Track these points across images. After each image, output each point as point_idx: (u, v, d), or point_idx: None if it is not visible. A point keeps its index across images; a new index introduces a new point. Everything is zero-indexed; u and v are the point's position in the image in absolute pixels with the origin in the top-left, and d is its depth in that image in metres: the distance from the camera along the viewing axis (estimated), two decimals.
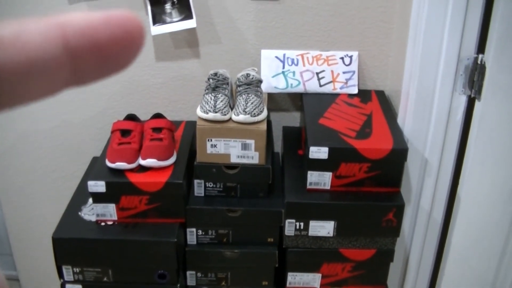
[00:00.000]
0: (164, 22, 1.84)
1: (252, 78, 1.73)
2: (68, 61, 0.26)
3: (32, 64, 0.25)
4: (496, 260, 1.94)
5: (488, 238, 1.90)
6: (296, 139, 1.94)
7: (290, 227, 1.70)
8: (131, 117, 1.88)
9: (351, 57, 1.90)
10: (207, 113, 1.64)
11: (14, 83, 0.25)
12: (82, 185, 1.89)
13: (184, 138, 1.90)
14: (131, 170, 1.72)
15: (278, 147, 2.05)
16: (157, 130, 1.77)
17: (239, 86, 1.73)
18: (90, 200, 1.79)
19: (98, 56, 0.26)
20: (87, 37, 0.26)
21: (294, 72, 1.91)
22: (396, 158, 1.66)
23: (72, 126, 2.09)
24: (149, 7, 1.83)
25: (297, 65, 1.91)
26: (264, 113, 1.69)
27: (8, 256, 2.58)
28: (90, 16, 0.26)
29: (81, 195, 1.87)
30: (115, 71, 0.27)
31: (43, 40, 0.25)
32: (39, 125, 2.10)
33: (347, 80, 1.91)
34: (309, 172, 1.67)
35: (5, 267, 2.77)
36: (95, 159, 1.93)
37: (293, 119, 2.03)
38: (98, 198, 1.71)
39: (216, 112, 1.63)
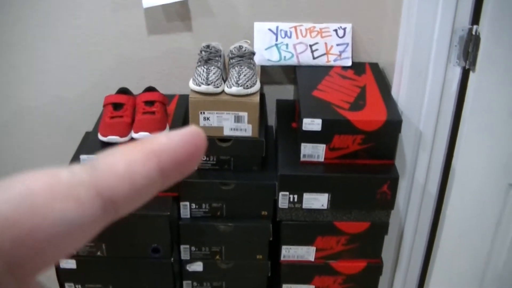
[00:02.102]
0: None
1: (245, 50, 1.72)
2: (160, 181, 0.30)
3: (140, 193, 0.29)
4: (491, 232, 1.94)
5: (483, 211, 1.90)
6: (290, 112, 1.93)
7: (283, 200, 1.69)
8: (123, 91, 1.87)
9: (344, 29, 1.89)
10: (200, 85, 1.62)
11: (124, 210, 0.29)
12: (75, 160, 1.88)
13: (177, 112, 1.88)
14: (124, 143, 1.70)
15: (271, 120, 2.04)
16: (149, 103, 1.76)
17: (232, 58, 1.72)
18: None
19: (178, 170, 0.31)
20: (174, 160, 0.30)
21: (287, 45, 1.89)
22: (390, 130, 1.65)
23: (65, 102, 2.07)
24: None
25: (290, 37, 1.89)
26: (257, 86, 1.68)
27: None
28: (172, 140, 0.30)
29: None
30: (185, 175, 0.32)
31: (147, 170, 0.29)
32: (31, 102, 2.08)
33: (341, 52, 1.89)
34: (303, 145, 1.66)
35: None
36: (87, 134, 1.91)
37: (287, 92, 2.02)
38: None
39: (208, 85, 1.62)
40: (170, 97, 1.94)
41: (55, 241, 0.26)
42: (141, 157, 0.29)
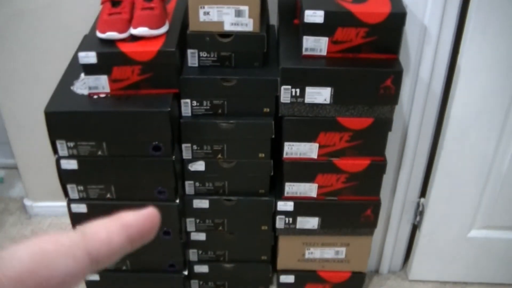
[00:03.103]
0: None
1: None
2: (128, 245, 0.42)
3: (115, 253, 0.40)
4: (496, 132, 1.92)
5: (489, 110, 1.87)
6: (292, 10, 1.89)
7: (285, 94, 1.66)
8: None
9: None
10: None
11: (102, 264, 0.40)
12: (74, 61, 1.86)
13: (177, 11, 1.84)
14: (123, 40, 1.67)
15: (274, 20, 2.00)
16: None
17: None
18: (82, 74, 1.75)
19: (140, 239, 0.43)
20: (138, 232, 0.42)
21: None
22: (394, 22, 1.61)
23: (63, 4, 2.03)
24: None
25: None
26: None
27: (6, 145, 2.57)
28: (138, 218, 0.42)
29: (73, 71, 1.83)
30: (145, 242, 0.43)
31: (120, 238, 0.40)
32: (28, 4, 2.04)
33: None
34: (305, 38, 1.63)
35: (3, 156, 2.77)
36: (86, 37, 1.88)
37: None
38: (90, 70, 1.67)
39: None
40: None
41: (60, 286, 0.37)
42: (117, 228, 0.40)
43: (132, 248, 0.42)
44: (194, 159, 1.84)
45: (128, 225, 0.41)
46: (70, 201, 1.85)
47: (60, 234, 0.38)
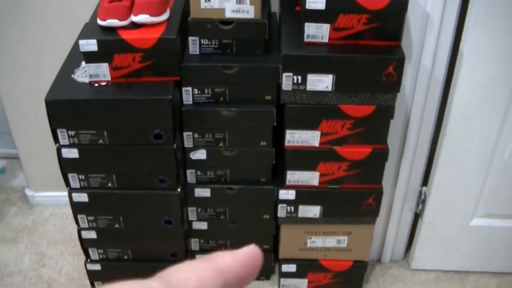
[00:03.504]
0: None
1: None
2: None
3: None
4: (499, 120, 1.92)
5: (491, 97, 1.86)
6: None
7: (287, 81, 1.65)
8: None
9: None
10: None
11: None
12: (75, 49, 1.85)
13: None
14: (123, 27, 1.67)
15: (275, 7, 1.99)
16: None
17: None
18: (83, 62, 1.75)
19: (239, 285, 0.36)
20: (237, 277, 0.35)
21: None
22: (396, 9, 1.60)
23: None
24: None
25: None
26: None
27: (7, 135, 2.56)
28: (237, 260, 0.36)
29: (74, 59, 1.82)
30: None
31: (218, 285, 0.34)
32: None
33: None
34: (306, 24, 1.62)
35: (5, 146, 2.77)
36: (86, 25, 1.87)
37: None
38: (91, 57, 1.67)
39: None
40: None
41: None
42: (211, 275, 0.34)
43: None
44: (196, 147, 1.84)
45: (225, 271, 0.35)
46: (71, 190, 1.85)
47: (142, 284, 0.33)
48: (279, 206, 1.94)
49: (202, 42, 1.70)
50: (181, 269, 0.34)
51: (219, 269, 0.35)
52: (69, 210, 1.92)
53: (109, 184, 1.83)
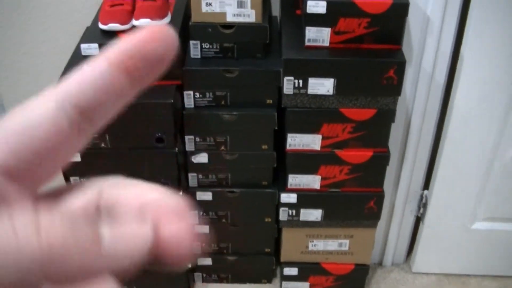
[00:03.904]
0: None
1: None
2: (127, 81, 0.29)
3: (108, 96, 0.29)
4: (499, 123, 1.92)
5: (492, 100, 1.87)
6: (294, 1, 1.88)
7: (288, 85, 1.66)
8: None
9: None
10: None
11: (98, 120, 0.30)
12: (76, 53, 1.85)
13: (178, 2, 1.85)
14: (125, 31, 1.67)
15: (276, 11, 1.99)
16: None
17: None
18: None
19: (147, 66, 0.29)
20: (141, 58, 0.29)
21: None
22: (397, 12, 1.61)
23: None
24: None
25: None
26: None
27: None
28: (139, 38, 0.28)
29: (75, 63, 1.83)
30: (159, 73, 0.31)
31: (117, 76, 0.28)
32: None
33: None
34: (307, 28, 1.62)
35: None
36: (88, 29, 1.88)
37: None
38: None
39: None
40: None
41: (46, 152, 0.28)
42: (102, 60, 0.28)
43: (135, 86, 0.30)
44: (197, 151, 1.84)
45: (116, 58, 0.28)
46: None
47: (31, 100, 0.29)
48: (281, 209, 1.94)
49: (203, 46, 1.71)
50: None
51: (109, 58, 0.29)
52: None
53: None
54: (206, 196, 1.94)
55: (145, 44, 0.29)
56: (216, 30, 1.67)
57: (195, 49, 1.71)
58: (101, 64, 0.28)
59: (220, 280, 2.24)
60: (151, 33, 0.29)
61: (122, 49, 0.28)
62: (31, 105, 0.29)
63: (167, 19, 1.70)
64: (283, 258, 2.12)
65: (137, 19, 1.66)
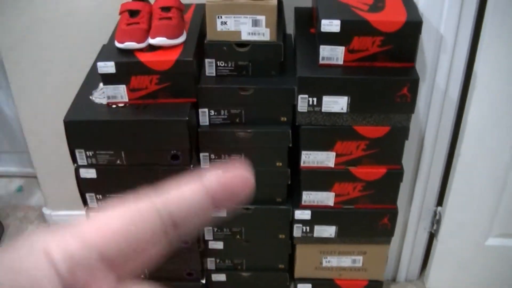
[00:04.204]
0: None
1: None
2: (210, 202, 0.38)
3: (193, 212, 0.38)
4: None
5: (505, 117, 1.87)
6: (308, 19, 1.90)
7: (303, 103, 1.67)
8: None
9: None
10: None
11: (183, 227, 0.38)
12: (93, 71, 1.88)
13: (194, 20, 1.86)
14: (141, 50, 1.69)
15: (290, 29, 2.01)
16: (166, 9, 1.74)
17: None
18: (101, 84, 1.77)
19: (229, 199, 0.39)
20: (224, 192, 0.38)
21: None
22: (410, 31, 1.62)
23: (80, 13, 2.06)
24: None
25: None
26: None
27: (25, 154, 2.59)
28: (222, 178, 0.38)
29: (91, 80, 1.85)
30: (234, 205, 0.39)
31: (194, 192, 0.38)
32: (46, 14, 2.06)
33: None
34: (321, 47, 1.64)
35: (23, 165, 2.80)
36: (104, 46, 1.90)
37: (305, 0, 1.98)
38: (108, 79, 1.69)
39: None
40: (186, 6, 1.91)
41: (140, 248, 0.36)
42: (201, 188, 0.38)
43: (216, 207, 0.38)
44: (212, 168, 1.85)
45: (209, 188, 0.38)
46: (89, 209, 1.87)
47: (132, 203, 0.37)
48: (295, 226, 1.95)
49: (218, 64, 1.73)
50: (170, 187, 0.38)
51: (205, 186, 0.38)
52: None
53: None
54: (220, 212, 1.94)
55: (232, 184, 0.38)
56: (231, 48, 1.69)
57: (210, 67, 1.73)
58: (200, 191, 0.38)
59: None
60: (236, 176, 0.39)
61: (215, 182, 0.38)
62: (133, 208, 0.37)
63: (183, 37, 1.72)
64: (297, 274, 2.12)
65: (153, 37, 1.68)
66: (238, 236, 2.02)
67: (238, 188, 0.39)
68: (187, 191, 0.38)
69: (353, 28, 1.60)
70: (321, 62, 1.66)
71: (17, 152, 2.85)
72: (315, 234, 1.96)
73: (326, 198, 1.88)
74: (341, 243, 2.00)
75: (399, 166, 1.83)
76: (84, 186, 1.82)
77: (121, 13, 1.76)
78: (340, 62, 1.66)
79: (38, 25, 2.09)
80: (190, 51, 1.69)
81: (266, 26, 1.65)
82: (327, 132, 1.74)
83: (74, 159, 1.76)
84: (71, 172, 1.78)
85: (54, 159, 2.42)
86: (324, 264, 2.07)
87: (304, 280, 2.13)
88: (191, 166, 1.75)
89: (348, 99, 1.66)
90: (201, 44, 1.72)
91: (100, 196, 1.84)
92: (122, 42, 1.68)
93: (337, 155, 1.78)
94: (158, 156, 1.74)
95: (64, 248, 0.33)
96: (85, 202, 1.86)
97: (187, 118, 1.66)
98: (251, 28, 1.65)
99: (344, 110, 1.68)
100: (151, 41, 1.68)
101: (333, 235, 1.97)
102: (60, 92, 2.19)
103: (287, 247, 2.05)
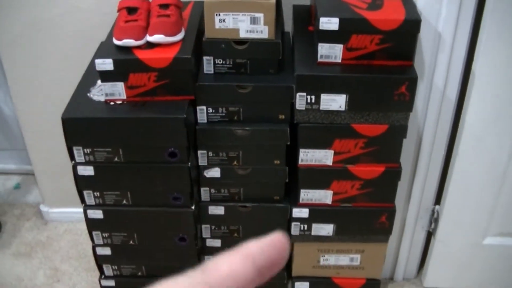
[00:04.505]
0: None
1: None
2: (257, 277, 0.39)
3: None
4: (511, 138, 1.92)
5: (503, 116, 1.87)
6: (307, 17, 1.90)
7: (301, 101, 1.67)
8: None
9: None
10: None
11: None
12: (91, 68, 1.87)
13: (192, 18, 1.86)
14: (139, 47, 1.69)
15: (288, 27, 2.01)
16: (164, 6, 1.73)
17: None
18: (99, 81, 1.77)
19: (270, 268, 0.39)
20: (266, 259, 0.39)
21: None
22: (409, 29, 1.62)
23: (80, 11, 2.06)
24: None
25: None
26: None
27: (23, 151, 2.59)
28: (263, 242, 0.39)
29: (89, 77, 1.85)
30: (275, 272, 0.41)
31: (245, 269, 0.38)
32: (44, 12, 2.06)
33: None
34: (320, 45, 1.64)
35: (20, 162, 2.80)
36: (102, 44, 1.90)
37: None
38: (106, 76, 1.69)
39: None
40: (185, 4, 1.91)
41: None
42: (240, 260, 0.38)
43: (262, 279, 0.39)
44: (210, 165, 1.85)
45: (252, 255, 0.38)
46: (86, 207, 1.87)
47: (179, 277, 0.37)
48: (292, 224, 1.95)
49: (217, 62, 1.72)
50: (215, 259, 0.38)
51: (247, 255, 0.38)
52: (83, 226, 1.94)
53: (124, 201, 1.85)
54: (218, 210, 1.95)
55: (273, 253, 0.39)
56: (229, 46, 1.69)
57: (208, 65, 1.73)
58: (245, 269, 0.38)
59: None
60: (279, 244, 0.40)
61: (259, 252, 0.39)
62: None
63: (181, 35, 1.72)
64: (294, 272, 2.12)
65: (151, 35, 1.68)
66: (235, 234, 2.02)
67: (279, 255, 0.40)
68: (236, 264, 0.38)
69: (351, 26, 1.60)
70: (319, 60, 1.66)
71: (15, 150, 2.84)
72: (313, 232, 1.96)
73: (324, 196, 1.87)
74: (339, 242, 2.00)
75: (397, 164, 1.83)
76: (81, 183, 1.82)
77: (119, 10, 1.76)
78: (339, 60, 1.66)
79: (36, 23, 2.09)
80: (188, 48, 1.68)
81: (265, 24, 1.65)
82: (325, 130, 1.73)
83: (72, 156, 1.76)
84: (68, 170, 1.78)
85: (51, 157, 2.42)
86: (322, 262, 2.07)
87: (301, 279, 2.13)
88: (189, 163, 1.75)
89: (346, 97, 1.66)
90: (199, 42, 1.72)
91: (98, 193, 1.84)
92: (120, 39, 1.68)
93: (335, 153, 1.78)
94: (156, 154, 1.74)
95: None
96: (82, 200, 1.85)
97: (185, 116, 1.66)
98: (250, 25, 1.65)
99: (342, 108, 1.68)
100: (149, 38, 1.68)
101: (331, 234, 1.96)
102: (58, 90, 2.19)
103: None
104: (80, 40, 2.11)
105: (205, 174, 1.87)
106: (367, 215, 1.93)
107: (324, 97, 1.66)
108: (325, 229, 1.95)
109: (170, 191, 1.82)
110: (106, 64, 1.66)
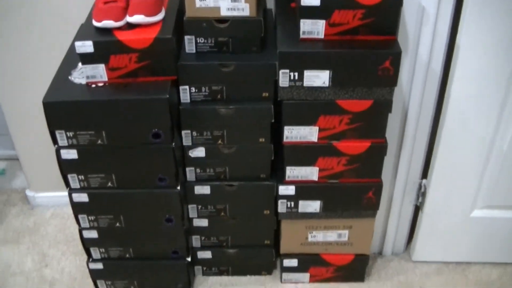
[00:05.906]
0: None
1: None
2: None
3: None
4: (496, 111, 1.92)
5: (489, 89, 1.86)
6: None
7: (284, 78, 1.66)
8: None
9: None
10: None
11: None
12: (71, 51, 1.85)
13: None
14: (119, 28, 1.67)
15: (271, 4, 1.99)
16: None
17: None
18: (80, 64, 1.75)
19: None
20: None
21: None
22: (391, 3, 1.60)
23: None
24: None
25: None
26: None
27: (7, 136, 2.57)
28: None
29: (70, 60, 1.83)
30: None
31: None
32: None
33: None
34: (302, 21, 1.62)
35: (4, 148, 2.77)
36: (82, 26, 1.87)
37: None
38: (87, 59, 1.67)
39: None
40: None
41: None
42: None
43: None
44: (194, 145, 1.84)
45: None
46: (71, 190, 1.85)
47: None
48: (279, 201, 1.94)
49: (198, 41, 1.70)
50: None
51: None
52: (70, 210, 1.93)
53: (109, 184, 1.84)
54: (204, 190, 1.94)
55: None
56: (210, 24, 1.67)
57: (190, 44, 1.71)
58: None
59: (220, 272, 2.25)
60: None
61: None
62: None
63: (161, 15, 1.70)
64: (282, 250, 2.12)
65: (131, 15, 1.66)
66: (222, 213, 2.02)
67: None
68: None
69: (333, 1, 1.58)
70: (302, 36, 1.64)
71: None
72: (300, 210, 1.96)
73: (310, 173, 1.87)
74: (326, 218, 2.00)
75: (383, 139, 1.82)
76: (65, 167, 1.80)
77: None
78: (321, 36, 1.64)
79: (15, 7, 2.06)
80: (169, 28, 1.67)
81: (246, 2, 1.63)
82: (310, 107, 1.72)
83: (54, 140, 1.74)
84: (53, 154, 1.76)
85: (36, 141, 2.40)
86: (310, 239, 2.07)
87: (290, 256, 2.13)
88: (173, 144, 1.74)
89: (330, 73, 1.65)
90: (180, 21, 1.70)
91: (82, 176, 1.82)
92: (99, 21, 1.66)
93: (320, 130, 1.77)
94: (139, 135, 1.73)
95: None
96: (67, 183, 1.84)
97: (168, 96, 1.64)
98: (230, 3, 1.63)
99: (326, 84, 1.67)
100: (129, 19, 1.66)
101: (318, 210, 1.96)
102: (39, 73, 2.16)
103: (272, 223, 2.05)
104: (60, 23, 2.08)
105: (190, 154, 1.86)
106: (354, 191, 1.93)
107: (307, 73, 1.65)
108: (312, 206, 1.95)
109: (155, 172, 1.81)
110: (86, 46, 1.64)
